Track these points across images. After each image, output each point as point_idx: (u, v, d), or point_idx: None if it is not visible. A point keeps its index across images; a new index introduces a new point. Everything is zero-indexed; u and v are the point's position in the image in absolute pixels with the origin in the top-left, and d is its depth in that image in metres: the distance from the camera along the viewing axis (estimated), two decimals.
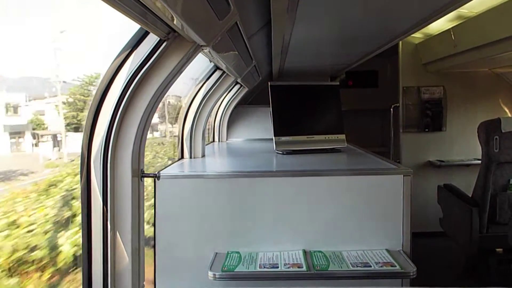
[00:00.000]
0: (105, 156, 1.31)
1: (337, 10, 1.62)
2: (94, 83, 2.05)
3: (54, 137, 2.51)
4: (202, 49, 1.30)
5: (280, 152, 2.59)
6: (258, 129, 3.87)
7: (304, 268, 1.61)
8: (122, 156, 1.37)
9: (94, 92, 1.30)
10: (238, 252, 1.76)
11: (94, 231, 1.34)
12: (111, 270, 1.37)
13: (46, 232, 1.89)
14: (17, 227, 1.82)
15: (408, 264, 1.64)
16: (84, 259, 1.34)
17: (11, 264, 1.74)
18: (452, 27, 3.88)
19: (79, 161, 1.31)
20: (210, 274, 1.60)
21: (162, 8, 0.86)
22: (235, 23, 1.32)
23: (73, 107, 2.36)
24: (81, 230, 1.34)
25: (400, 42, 4.84)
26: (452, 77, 4.90)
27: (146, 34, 1.19)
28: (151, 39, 1.20)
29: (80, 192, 1.31)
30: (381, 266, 1.62)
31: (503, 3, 3.03)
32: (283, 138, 2.60)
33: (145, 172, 1.53)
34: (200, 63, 2.11)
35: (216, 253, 1.76)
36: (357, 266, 1.63)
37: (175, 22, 0.98)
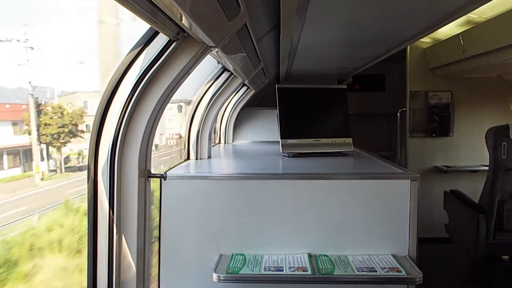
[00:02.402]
0: (112, 156, 1.31)
1: (346, 14, 1.62)
2: None
3: None
4: (211, 50, 1.30)
5: (286, 155, 2.59)
6: (265, 131, 3.87)
7: (309, 272, 1.60)
8: (129, 156, 1.36)
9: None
10: (243, 255, 1.76)
11: (99, 230, 1.34)
12: (116, 271, 1.37)
13: None
14: None
15: (414, 270, 1.62)
16: (89, 259, 1.34)
17: None
18: (461, 32, 3.86)
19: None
20: (215, 276, 1.59)
21: (172, 8, 0.86)
22: (244, 25, 1.32)
23: None
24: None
25: (408, 46, 4.83)
26: (460, 82, 4.88)
27: (155, 34, 1.19)
28: (161, 39, 1.20)
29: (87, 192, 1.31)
30: (387, 271, 1.61)
31: None
32: (290, 141, 2.59)
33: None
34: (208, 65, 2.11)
35: (221, 255, 1.76)
36: (362, 271, 1.61)
37: (184, 22, 0.98)
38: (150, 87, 1.29)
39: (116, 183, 1.33)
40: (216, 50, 1.31)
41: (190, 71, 1.32)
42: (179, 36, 1.18)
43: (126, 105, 1.27)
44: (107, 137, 1.30)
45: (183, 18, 0.94)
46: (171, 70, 1.26)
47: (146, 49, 1.21)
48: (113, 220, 1.34)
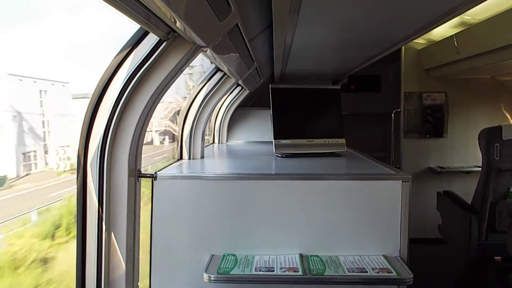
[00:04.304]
0: (101, 155, 1.30)
1: (339, 15, 1.61)
2: None
3: None
4: (203, 50, 1.30)
5: (280, 155, 2.59)
6: (259, 131, 3.87)
7: (300, 272, 1.60)
8: (119, 156, 1.36)
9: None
10: (234, 255, 1.75)
11: (89, 229, 1.34)
12: (105, 270, 1.37)
13: None
14: None
15: (405, 270, 1.63)
16: (78, 259, 1.33)
17: None
18: (455, 34, 3.88)
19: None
20: (206, 276, 1.59)
21: (162, 8, 0.85)
22: (236, 25, 1.32)
23: None
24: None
25: (403, 47, 4.84)
26: (454, 84, 4.90)
27: (145, 33, 1.19)
28: (151, 39, 1.20)
29: (76, 191, 1.30)
30: (378, 272, 1.61)
31: (507, 10, 3.03)
32: (283, 141, 2.59)
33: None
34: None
35: (212, 255, 1.75)
36: (353, 271, 1.61)
37: (175, 22, 0.98)
38: (141, 87, 1.28)
39: (105, 183, 1.32)
40: (208, 50, 1.31)
41: (181, 70, 1.31)
42: (170, 36, 1.17)
43: (116, 104, 1.26)
44: (97, 136, 1.29)
45: (173, 18, 0.94)
46: (161, 69, 1.26)
47: (136, 48, 1.21)
48: (102, 220, 1.34)
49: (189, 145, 2.33)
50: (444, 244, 3.98)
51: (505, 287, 3.43)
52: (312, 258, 1.73)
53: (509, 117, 4.95)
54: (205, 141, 2.61)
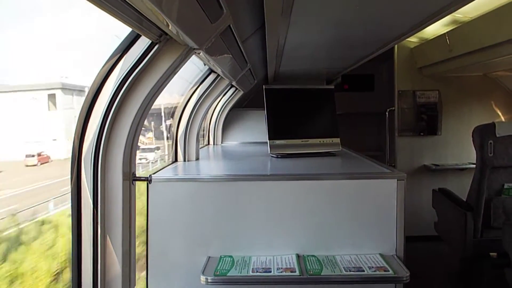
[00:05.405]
0: (95, 159, 1.30)
1: (331, 14, 1.62)
2: None
3: None
4: (195, 52, 1.30)
5: (275, 156, 2.59)
6: (254, 132, 3.86)
7: (297, 273, 1.60)
8: (113, 159, 1.35)
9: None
10: (231, 256, 1.75)
11: (84, 234, 1.33)
12: (101, 274, 1.36)
13: None
14: None
15: (402, 269, 1.63)
16: (74, 263, 1.33)
17: None
18: (447, 32, 3.90)
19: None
20: (203, 278, 1.58)
21: (154, 12, 0.85)
22: (228, 26, 1.32)
23: None
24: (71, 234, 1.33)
25: (396, 46, 4.86)
26: (447, 81, 4.92)
27: (137, 37, 1.18)
28: (143, 42, 1.19)
29: (70, 195, 1.30)
30: (374, 271, 1.61)
31: (498, 8, 3.05)
32: (278, 142, 2.59)
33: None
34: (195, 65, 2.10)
35: (209, 257, 1.75)
36: (350, 271, 1.62)
37: (167, 25, 0.98)
38: (133, 90, 1.28)
39: (100, 187, 1.32)
40: (201, 52, 1.30)
41: (174, 73, 1.31)
42: (162, 39, 1.17)
43: (109, 108, 1.26)
44: (91, 140, 1.29)
45: (166, 21, 0.94)
46: (154, 72, 1.25)
47: (129, 51, 1.20)
48: (97, 223, 1.33)
49: (183, 147, 2.32)
50: (440, 241, 4.00)
51: (500, 283, 3.45)
52: (309, 258, 1.73)
53: (501, 114, 4.98)
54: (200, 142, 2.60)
